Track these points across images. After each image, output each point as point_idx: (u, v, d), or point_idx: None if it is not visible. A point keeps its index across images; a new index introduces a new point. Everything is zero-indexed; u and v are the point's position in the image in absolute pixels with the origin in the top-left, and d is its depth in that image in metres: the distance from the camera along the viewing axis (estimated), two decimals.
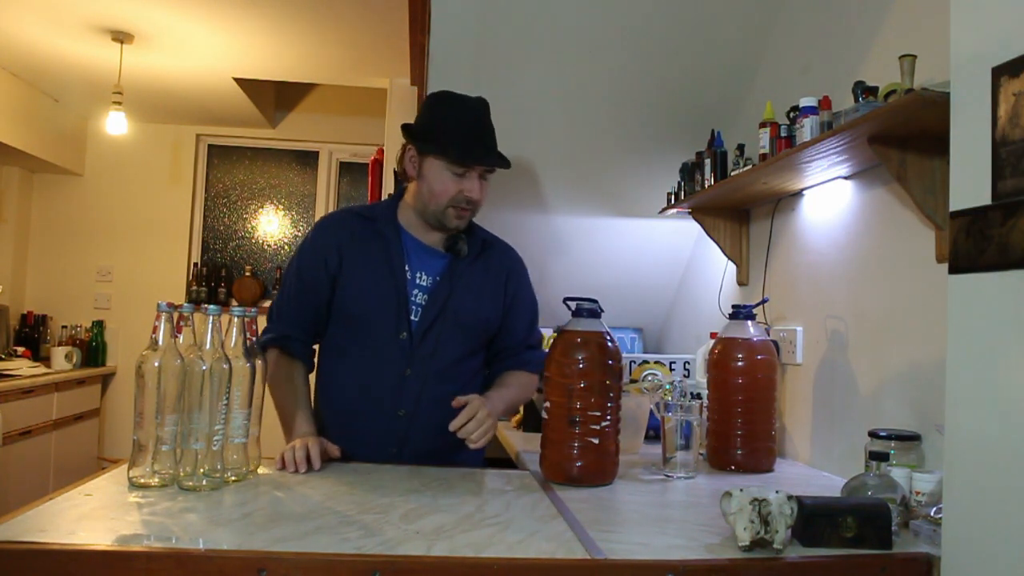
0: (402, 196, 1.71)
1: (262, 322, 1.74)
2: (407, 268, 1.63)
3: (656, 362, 2.58)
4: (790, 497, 1.12)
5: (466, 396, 1.53)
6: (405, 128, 1.64)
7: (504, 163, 1.60)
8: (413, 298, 1.62)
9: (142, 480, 1.27)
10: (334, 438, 1.58)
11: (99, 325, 4.68)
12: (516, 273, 1.75)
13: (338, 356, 1.66)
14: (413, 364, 1.61)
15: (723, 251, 2.41)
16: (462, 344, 1.65)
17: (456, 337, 1.64)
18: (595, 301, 1.59)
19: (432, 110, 1.62)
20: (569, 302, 1.60)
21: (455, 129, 1.57)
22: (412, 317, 1.61)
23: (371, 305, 1.61)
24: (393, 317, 1.60)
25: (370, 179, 3.72)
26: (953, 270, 1.10)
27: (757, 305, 1.91)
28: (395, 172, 1.67)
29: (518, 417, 2.46)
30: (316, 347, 1.74)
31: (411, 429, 1.62)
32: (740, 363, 1.76)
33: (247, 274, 4.92)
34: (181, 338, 1.30)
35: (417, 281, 1.63)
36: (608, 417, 1.51)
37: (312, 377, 1.73)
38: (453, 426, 1.48)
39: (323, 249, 1.64)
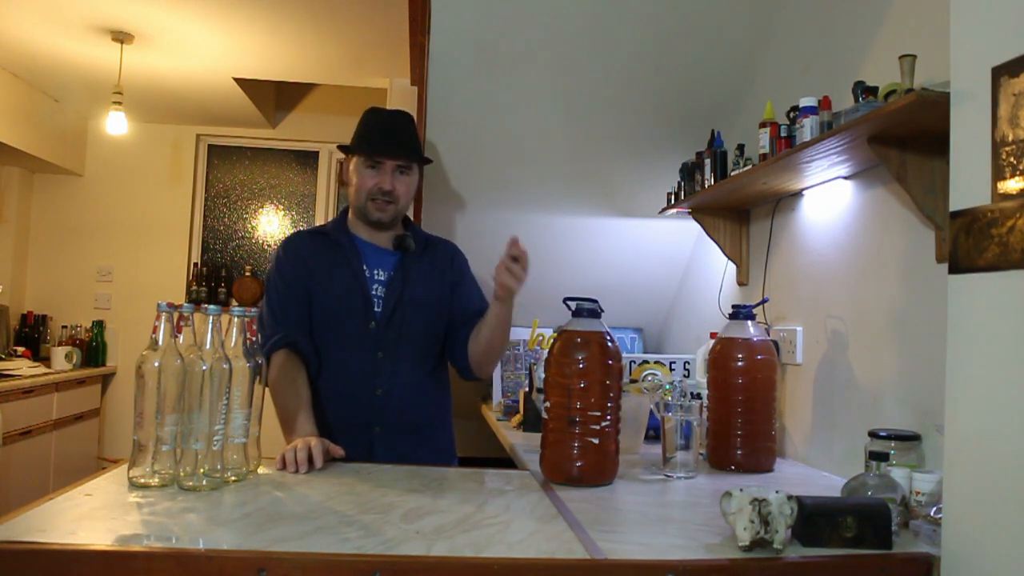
0: (348, 210, 1.90)
1: None
2: (365, 268, 1.82)
3: (656, 362, 2.58)
4: (790, 497, 1.12)
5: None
6: (341, 147, 1.87)
7: (410, 156, 1.80)
8: (374, 292, 1.81)
9: (142, 480, 1.27)
10: (323, 424, 1.67)
11: (99, 325, 4.67)
12: (458, 257, 1.96)
13: (323, 352, 1.79)
14: (383, 348, 1.77)
15: (723, 251, 2.41)
16: (423, 325, 1.83)
17: (416, 319, 1.81)
18: (595, 301, 1.59)
19: (359, 123, 1.85)
20: (569, 302, 1.60)
21: (368, 131, 1.81)
22: (376, 308, 1.79)
23: (341, 304, 1.78)
24: (361, 311, 1.78)
25: None
26: (953, 270, 1.10)
27: (757, 305, 1.91)
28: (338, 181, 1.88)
29: (518, 417, 2.46)
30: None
31: (388, 407, 1.76)
32: (740, 363, 1.76)
33: (247, 274, 4.91)
34: (181, 338, 1.30)
35: (375, 277, 1.82)
36: (608, 417, 1.51)
37: None
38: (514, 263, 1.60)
39: (297, 257, 1.83)
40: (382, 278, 1.81)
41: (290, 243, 1.87)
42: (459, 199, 2.73)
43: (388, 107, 3.85)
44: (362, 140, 1.80)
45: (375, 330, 1.77)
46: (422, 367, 1.82)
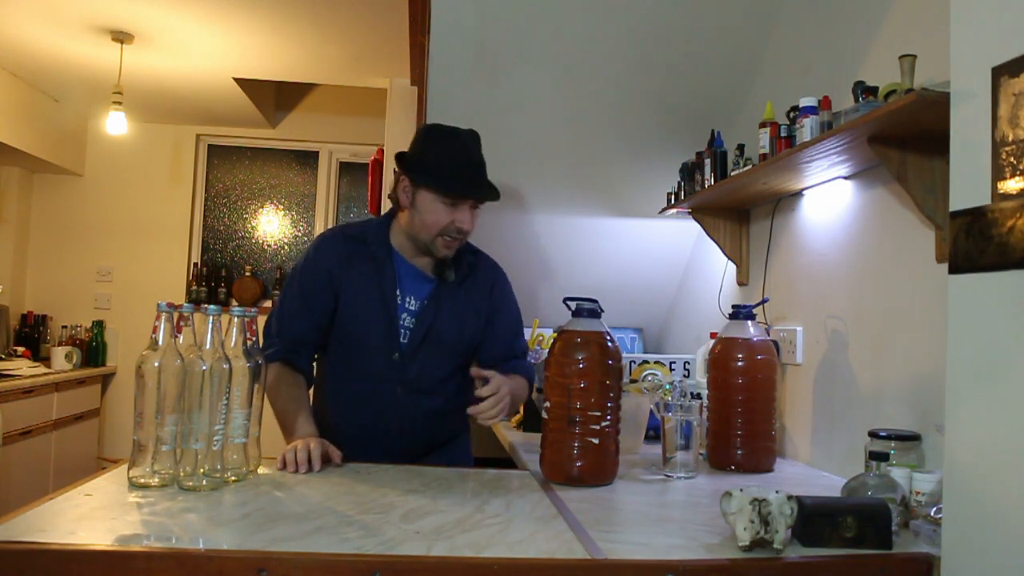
0: (394, 216, 1.75)
1: (261, 322, 1.75)
2: (398, 292, 1.70)
3: (656, 362, 2.58)
4: (790, 497, 1.12)
5: (487, 372, 1.59)
6: (399, 158, 1.68)
7: (494, 195, 1.66)
8: (402, 321, 1.70)
9: (142, 480, 1.27)
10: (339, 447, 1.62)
11: (99, 325, 4.67)
12: (500, 285, 1.82)
13: (339, 371, 1.74)
14: (403, 383, 1.70)
15: (723, 251, 2.41)
16: (447, 363, 1.74)
17: (441, 357, 1.73)
18: (595, 301, 1.59)
19: (425, 143, 1.67)
20: (569, 302, 1.60)
21: (448, 163, 1.61)
22: (401, 339, 1.70)
23: (365, 327, 1.69)
24: (384, 339, 1.69)
25: (370, 179, 3.72)
26: (953, 270, 1.10)
27: (757, 305, 1.91)
28: (389, 197, 1.75)
29: (518, 417, 2.46)
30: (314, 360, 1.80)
31: (406, 437, 1.72)
32: (740, 363, 1.76)
33: (247, 274, 4.91)
34: (181, 338, 1.30)
35: (406, 305, 1.71)
36: (608, 417, 1.51)
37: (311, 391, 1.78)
38: (473, 411, 1.55)
39: (324, 267, 1.70)
40: (413, 307, 1.70)
41: (323, 246, 1.74)
42: None
43: (388, 107, 3.88)
44: (443, 176, 1.61)
45: (399, 362, 1.68)
46: (444, 396, 1.75)
